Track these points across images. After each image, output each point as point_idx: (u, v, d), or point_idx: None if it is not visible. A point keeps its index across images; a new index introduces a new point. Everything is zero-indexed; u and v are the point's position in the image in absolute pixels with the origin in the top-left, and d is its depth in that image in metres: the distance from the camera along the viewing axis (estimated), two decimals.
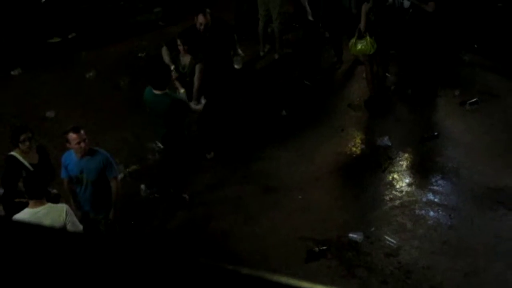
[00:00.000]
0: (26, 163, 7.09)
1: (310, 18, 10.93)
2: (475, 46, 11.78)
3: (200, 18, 9.24)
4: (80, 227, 6.54)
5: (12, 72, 11.75)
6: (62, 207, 6.46)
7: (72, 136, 6.87)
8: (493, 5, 11.77)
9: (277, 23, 11.79)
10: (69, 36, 13.01)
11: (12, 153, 7.11)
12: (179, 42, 8.77)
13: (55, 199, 7.13)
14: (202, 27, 9.24)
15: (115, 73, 11.47)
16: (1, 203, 7.12)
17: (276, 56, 12.08)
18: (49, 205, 6.41)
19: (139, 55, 12.22)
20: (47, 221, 6.25)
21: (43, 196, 6.38)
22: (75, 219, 6.50)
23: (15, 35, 12.83)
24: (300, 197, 8.79)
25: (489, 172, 9.06)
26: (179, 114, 8.05)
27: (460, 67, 11.57)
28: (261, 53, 12.21)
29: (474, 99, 10.52)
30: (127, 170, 9.07)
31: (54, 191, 7.32)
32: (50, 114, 10.45)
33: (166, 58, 9.07)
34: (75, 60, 12.20)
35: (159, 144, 9.50)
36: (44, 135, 9.68)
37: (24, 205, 6.53)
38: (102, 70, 11.73)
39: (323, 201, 8.74)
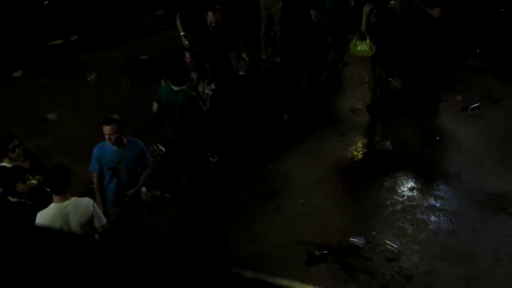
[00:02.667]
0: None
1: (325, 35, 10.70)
2: (477, 51, 11.79)
3: (210, 16, 9.23)
4: (104, 220, 6.59)
5: (14, 74, 11.77)
6: (88, 201, 6.50)
7: (103, 127, 7.00)
8: (495, 10, 11.77)
9: (279, 26, 11.78)
10: (71, 38, 13.04)
11: (2, 164, 7.00)
12: (187, 55, 8.79)
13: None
14: (213, 24, 9.24)
15: (117, 75, 11.48)
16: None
17: (278, 60, 12.08)
18: (74, 199, 6.45)
19: (141, 57, 12.23)
20: (76, 215, 6.33)
21: (67, 191, 6.40)
22: (99, 211, 6.57)
23: (17, 37, 12.85)
24: (301, 201, 8.78)
25: (491, 177, 9.05)
26: (193, 111, 8.14)
27: (462, 72, 11.57)
28: (263, 56, 12.22)
29: (476, 104, 10.52)
30: None
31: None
32: (52, 116, 10.45)
33: (180, 28, 9.73)
34: (77, 63, 12.22)
35: (161, 147, 9.51)
36: (46, 137, 9.69)
37: (23, 205, 6.53)
38: (104, 72, 11.74)
39: (324, 205, 8.73)
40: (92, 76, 11.63)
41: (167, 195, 8.83)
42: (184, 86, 8.15)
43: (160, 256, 1.44)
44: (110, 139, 7.02)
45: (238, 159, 9.55)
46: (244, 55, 9.61)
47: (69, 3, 14.40)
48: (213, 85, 8.44)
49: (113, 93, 11.07)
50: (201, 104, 8.18)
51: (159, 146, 9.54)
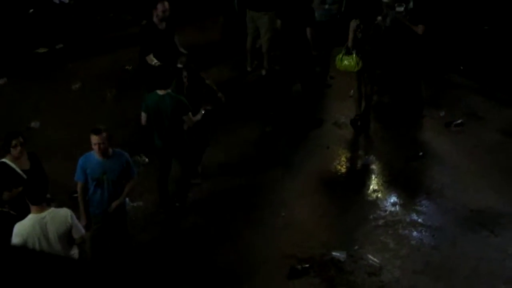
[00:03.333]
0: (17, 169, 7.08)
1: (314, 52, 10.73)
2: (461, 67, 11.86)
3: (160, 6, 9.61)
4: (83, 231, 6.58)
5: None
6: (67, 211, 6.49)
7: (92, 136, 7.05)
8: (479, 28, 11.87)
9: (265, 39, 11.80)
10: (57, 47, 12.98)
11: (3, 159, 7.11)
12: (185, 73, 8.82)
13: (48, 202, 7.12)
14: (166, 14, 9.66)
15: (102, 85, 11.45)
16: None
17: (264, 72, 12.08)
18: (52, 209, 6.45)
19: (126, 67, 12.20)
20: (54, 225, 6.30)
21: (44, 201, 6.39)
22: (78, 222, 6.55)
23: (2, 44, 12.79)
24: (283, 214, 8.77)
25: (473, 193, 9.10)
26: (181, 114, 8.21)
27: (446, 88, 11.64)
28: (248, 69, 12.23)
29: (459, 121, 10.58)
30: None
31: (48, 195, 7.30)
32: (35, 124, 10.40)
33: (153, 60, 9.53)
34: (62, 71, 12.16)
35: (144, 157, 9.49)
36: (28, 145, 9.60)
37: (6, 215, 6.50)
38: (89, 81, 11.70)
39: (307, 219, 8.73)
40: (77, 85, 11.58)
41: (161, 210, 8.82)
42: (169, 90, 8.20)
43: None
44: (99, 148, 7.04)
45: (219, 171, 9.52)
46: (220, 94, 9.50)
47: (55, 11, 14.38)
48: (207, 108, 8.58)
49: (97, 102, 11.04)
50: (189, 106, 8.21)
51: (142, 156, 9.51)
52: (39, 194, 6.35)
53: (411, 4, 10.44)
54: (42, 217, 6.30)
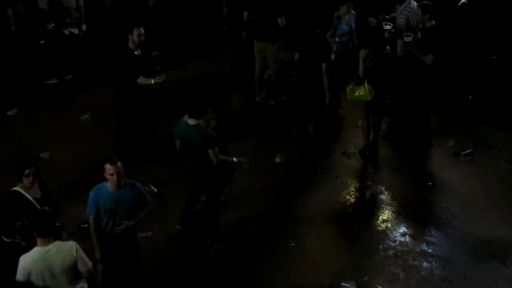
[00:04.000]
0: (30, 197, 7.10)
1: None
2: (470, 97, 11.87)
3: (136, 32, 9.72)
4: (90, 264, 6.50)
5: (8, 113, 11.76)
6: (72, 244, 6.43)
7: (107, 166, 7.01)
8: (487, 58, 11.89)
9: (273, 69, 11.85)
10: (66, 78, 13.06)
11: (16, 188, 7.16)
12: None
13: (58, 231, 7.13)
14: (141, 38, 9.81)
15: (111, 115, 11.46)
16: None
17: (272, 103, 12.11)
18: (57, 243, 6.41)
19: None
20: (58, 259, 6.26)
21: (51, 234, 6.36)
22: (84, 255, 6.45)
23: (12, 75, 12.90)
24: (293, 244, 8.75)
25: (483, 223, 9.06)
26: (207, 148, 8.20)
27: (454, 118, 11.63)
28: (257, 99, 12.26)
29: (469, 150, 10.56)
30: None
31: (57, 224, 7.31)
32: (44, 155, 10.43)
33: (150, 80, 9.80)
34: (71, 102, 12.23)
35: (153, 188, 9.50)
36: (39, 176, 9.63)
37: (17, 246, 6.49)
38: (98, 112, 11.75)
39: (316, 249, 8.70)
40: (86, 116, 11.63)
41: (178, 226, 8.85)
42: (201, 121, 8.19)
43: None
44: (116, 178, 7.00)
45: (229, 203, 9.50)
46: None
47: (65, 43, 14.51)
48: None
49: (107, 133, 11.06)
50: (217, 141, 8.24)
51: (151, 187, 9.52)
52: (46, 226, 6.32)
53: (419, 34, 10.49)
54: (47, 250, 6.27)
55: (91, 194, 7.18)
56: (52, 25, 15.27)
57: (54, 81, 12.96)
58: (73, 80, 13.02)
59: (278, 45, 11.66)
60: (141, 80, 9.80)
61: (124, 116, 10.17)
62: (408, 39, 10.34)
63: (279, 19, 11.41)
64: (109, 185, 7.10)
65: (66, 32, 15.14)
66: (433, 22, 10.18)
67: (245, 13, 11.99)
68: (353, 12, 11.27)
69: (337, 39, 11.07)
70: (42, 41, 14.58)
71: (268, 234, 8.93)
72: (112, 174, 7.00)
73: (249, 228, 9.08)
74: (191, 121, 8.15)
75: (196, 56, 13.67)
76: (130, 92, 9.86)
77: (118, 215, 7.15)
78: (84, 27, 15.28)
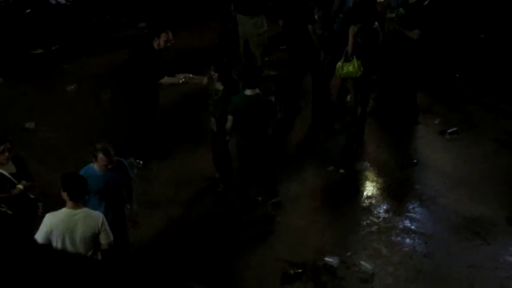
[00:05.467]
0: (5, 173, 7.04)
1: (322, 55, 10.65)
2: (457, 75, 11.88)
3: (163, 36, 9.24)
4: (111, 237, 6.54)
5: None
6: (99, 215, 6.52)
7: (101, 157, 6.96)
8: (475, 36, 11.90)
9: (252, 44, 11.56)
10: (53, 48, 12.95)
11: None
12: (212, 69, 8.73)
13: (34, 202, 7.13)
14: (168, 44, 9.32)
15: (97, 86, 11.43)
16: None
17: None
18: (86, 209, 6.48)
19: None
20: (83, 226, 6.34)
21: (81, 199, 6.43)
22: (108, 228, 6.51)
23: None
24: (278, 219, 8.79)
25: (466, 201, 9.11)
26: (269, 116, 8.34)
27: (440, 96, 11.64)
28: None
29: (454, 129, 10.58)
30: None
31: (32, 196, 7.31)
32: (30, 125, 10.38)
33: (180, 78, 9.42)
34: (58, 72, 12.14)
35: (138, 160, 9.48)
36: (24, 146, 9.60)
37: (4, 215, 6.50)
38: (84, 83, 11.68)
39: (300, 224, 8.74)
40: (72, 87, 11.55)
41: (239, 206, 8.91)
42: (258, 90, 8.21)
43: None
44: (106, 168, 7.01)
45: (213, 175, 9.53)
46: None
47: (51, 12, 14.37)
48: None
49: (92, 104, 11.03)
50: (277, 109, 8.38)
51: (135, 159, 9.50)
52: (79, 191, 6.38)
53: (401, 10, 10.37)
54: (75, 214, 6.35)
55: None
56: None
57: (40, 51, 12.86)
58: (60, 50, 12.92)
59: (258, 19, 11.40)
60: (167, 80, 9.42)
61: (141, 115, 9.68)
62: (391, 15, 10.29)
63: None
64: (97, 166, 7.06)
65: (53, 1, 15.00)
66: None
67: None
68: None
69: (341, 16, 10.95)
70: (28, 10, 14.44)
71: (252, 210, 8.94)
72: (104, 165, 7.00)
73: (232, 202, 9.07)
74: (249, 92, 8.18)
75: (183, 29, 13.56)
76: (151, 93, 9.54)
77: (108, 195, 7.16)
78: None
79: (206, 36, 13.43)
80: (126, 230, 7.66)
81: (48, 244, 6.27)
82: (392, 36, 10.47)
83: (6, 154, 7.07)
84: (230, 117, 8.31)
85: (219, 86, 8.59)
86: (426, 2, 10.14)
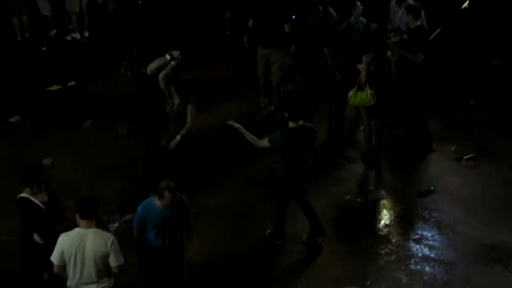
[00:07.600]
0: (38, 202, 7.08)
1: (338, 76, 10.89)
2: (472, 102, 11.87)
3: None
4: (122, 261, 6.53)
5: (10, 119, 11.77)
6: (109, 236, 6.52)
7: (167, 195, 6.96)
8: (489, 62, 11.90)
9: (276, 76, 11.77)
10: (68, 84, 13.07)
11: (23, 194, 7.09)
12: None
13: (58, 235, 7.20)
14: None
15: (113, 121, 11.49)
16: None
17: (273, 108, 12.08)
18: (97, 229, 6.51)
19: None
20: (93, 245, 6.38)
21: (93, 218, 6.47)
22: (119, 251, 6.50)
23: (15, 82, 12.92)
24: (296, 249, 8.75)
25: (485, 228, 9.05)
26: (312, 144, 8.37)
27: (456, 123, 11.62)
28: (262, 105, 12.19)
29: (471, 155, 10.56)
30: (123, 219, 9.03)
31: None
32: (47, 161, 10.43)
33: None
34: (73, 108, 12.22)
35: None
36: None
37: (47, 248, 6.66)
38: (100, 118, 11.75)
39: (318, 254, 8.70)
40: (88, 122, 11.64)
41: (278, 242, 8.84)
42: (301, 121, 8.22)
43: None
44: (171, 204, 7.02)
45: (230, 202, 9.52)
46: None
47: (67, 49, 14.54)
48: None
49: (108, 139, 11.08)
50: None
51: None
52: (90, 209, 6.43)
53: (405, 35, 10.45)
54: (85, 233, 6.40)
55: (139, 209, 7.20)
56: (54, 31, 15.32)
57: (56, 87, 12.98)
58: (75, 86, 13.04)
59: (284, 52, 11.64)
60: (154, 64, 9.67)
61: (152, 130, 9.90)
62: (395, 39, 10.33)
63: (286, 26, 11.36)
64: (159, 203, 7.06)
65: (68, 38, 15.19)
66: (418, 23, 10.29)
67: (251, 21, 11.90)
68: (363, 19, 11.26)
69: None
70: (44, 48, 14.62)
71: (270, 240, 8.91)
72: (171, 202, 7.01)
73: (251, 232, 9.07)
74: (293, 124, 8.17)
75: (197, 61, 13.64)
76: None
77: (166, 231, 7.17)
78: (86, 33, 15.33)
79: (220, 67, 13.54)
80: (183, 265, 7.63)
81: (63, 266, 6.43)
82: (397, 62, 10.51)
83: (43, 186, 7.14)
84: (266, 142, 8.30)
85: (176, 100, 8.75)
86: (436, 32, 10.21)
